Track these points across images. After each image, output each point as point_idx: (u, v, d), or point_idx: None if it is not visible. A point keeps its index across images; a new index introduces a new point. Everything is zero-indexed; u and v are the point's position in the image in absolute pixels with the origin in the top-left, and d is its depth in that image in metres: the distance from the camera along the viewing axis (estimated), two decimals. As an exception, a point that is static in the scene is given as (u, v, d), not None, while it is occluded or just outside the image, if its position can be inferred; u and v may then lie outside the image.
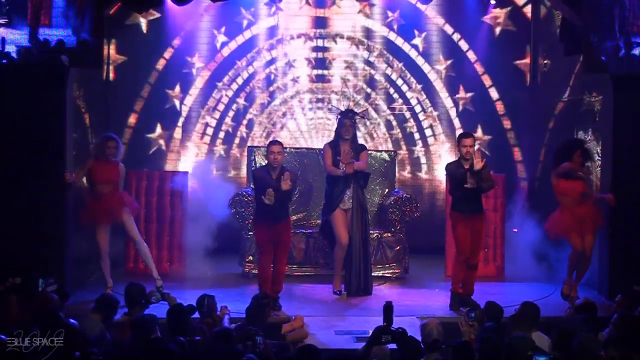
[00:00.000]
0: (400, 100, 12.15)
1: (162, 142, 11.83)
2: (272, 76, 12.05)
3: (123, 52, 11.67)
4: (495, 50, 12.01)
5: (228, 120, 12.02)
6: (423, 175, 12.22)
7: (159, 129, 11.81)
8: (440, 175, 11.79)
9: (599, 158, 9.89)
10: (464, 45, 12.07)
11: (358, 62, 12.13)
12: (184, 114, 11.87)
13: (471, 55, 12.07)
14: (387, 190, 10.93)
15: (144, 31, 11.72)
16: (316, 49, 12.09)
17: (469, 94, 12.11)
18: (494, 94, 12.12)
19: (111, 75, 11.62)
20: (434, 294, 9.60)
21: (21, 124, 8.81)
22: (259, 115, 12.03)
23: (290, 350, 6.71)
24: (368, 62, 12.12)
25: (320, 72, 12.09)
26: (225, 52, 11.93)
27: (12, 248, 8.67)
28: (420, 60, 12.10)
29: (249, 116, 12.02)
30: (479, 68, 12.08)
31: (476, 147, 9.14)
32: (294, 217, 10.47)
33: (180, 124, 11.87)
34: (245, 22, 11.93)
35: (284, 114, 12.06)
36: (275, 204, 8.70)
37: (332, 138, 9.66)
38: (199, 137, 11.95)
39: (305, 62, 12.06)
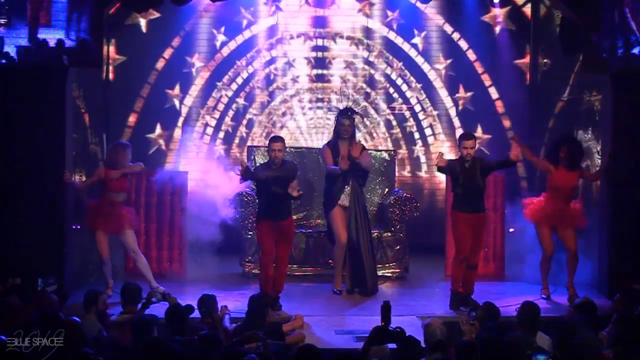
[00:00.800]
0: (400, 100, 12.15)
1: (161, 142, 11.83)
2: (272, 76, 12.05)
3: (123, 52, 11.67)
4: (495, 49, 12.01)
5: (228, 120, 12.02)
6: (423, 174, 12.23)
7: (158, 129, 11.81)
8: (440, 174, 11.78)
9: (599, 157, 9.89)
10: (463, 44, 12.07)
11: (358, 62, 12.12)
12: (183, 113, 11.87)
13: (471, 55, 12.07)
14: (387, 189, 10.93)
15: (144, 31, 11.71)
16: (316, 48, 12.09)
17: (469, 93, 12.11)
18: (493, 93, 12.12)
19: (111, 75, 11.62)
20: (434, 294, 9.60)
21: (21, 124, 8.81)
22: (259, 115, 12.03)
23: (290, 351, 6.71)
24: (368, 62, 12.12)
25: (320, 71, 12.09)
26: (225, 51, 11.93)
27: (12, 248, 8.68)
28: (420, 60, 12.10)
29: (248, 116, 12.02)
30: (478, 67, 12.08)
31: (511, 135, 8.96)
32: (294, 217, 10.46)
33: (180, 123, 11.86)
34: (244, 22, 11.93)
35: (284, 114, 12.06)
36: (278, 200, 8.68)
37: (331, 138, 9.66)
38: (199, 137, 11.95)
39: (304, 62, 12.06)
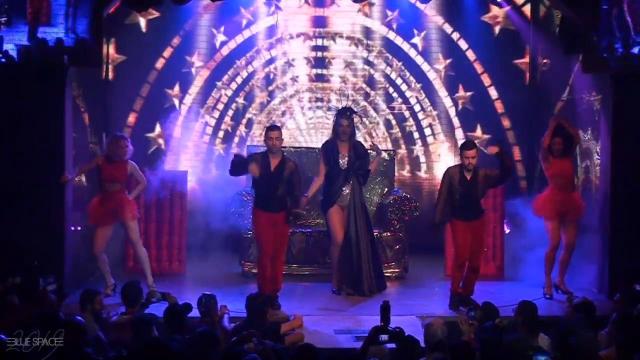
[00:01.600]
0: (400, 100, 12.15)
1: (161, 141, 11.83)
2: (272, 75, 12.05)
3: (122, 52, 11.67)
4: (494, 49, 12.02)
5: (227, 119, 12.02)
6: (422, 174, 12.23)
7: (158, 128, 11.81)
8: (440, 174, 11.76)
9: (598, 157, 9.89)
10: (463, 44, 12.07)
11: (357, 62, 12.12)
12: (183, 113, 11.87)
13: (470, 55, 12.07)
14: (386, 189, 10.93)
15: (143, 30, 11.72)
16: (315, 48, 12.09)
17: (469, 93, 12.11)
18: (493, 93, 12.12)
19: (110, 74, 11.62)
20: (434, 293, 9.60)
21: (20, 123, 8.81)
22: (259, 115, 12.03)
23: (289, 351, 6.71)
24: (367, 62, 12.12)
25: (319, 71, 12.09)
26: (225, 51, 11.93)
27: (12, 247, 8.67)
28: (419, 60, 12.10)
29: (248, 115, 12.02)
30: (478, 67, 12.08)
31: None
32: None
33: (179, 123, 11.86)
34: (244, 22, 11.93)
35: (283, 113, 12.06)
36: (274, 193, 8.67)
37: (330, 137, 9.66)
38: (198, 136, 11.95)
39: (304, 62, 12.06)
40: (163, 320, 6.63)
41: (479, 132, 12.07)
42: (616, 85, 9.29)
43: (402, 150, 12.14)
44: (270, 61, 12.03)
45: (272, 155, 8.83)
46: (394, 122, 12.17)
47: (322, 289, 9.60)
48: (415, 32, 12.05)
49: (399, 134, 12.19)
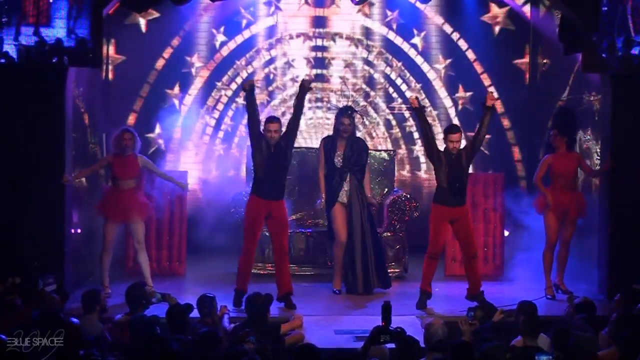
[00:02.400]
0: (400, 100, 12.15)
1: (161, 141, 11.83)
2: (272, 76, 12.05)
3: (122, 52, 11.66)
4: (494, 49, 12.02)
5: (227, 119, 12.02)
6: (422, 174, 12.23)
7: (158, 129, 11.81)
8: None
9: (598, 157, 9.90)
10: (463, 44, 12.07)
11: (357, 62, 12.13)
12: (183, 113, 11.87)
13: (470, 55, 12.08)
14: (386, 189, 10.93)
15: (143, 31, 11.71)
16: (315, 48, 12.09)
17: (468, 93, 12.11)
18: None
19: (110, 74, 11.61)
20: (433, 294, 9.58)
21: (20, 124, 8.81)
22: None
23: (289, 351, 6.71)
24: (367, 62, 12.12)
25: (319, 71, 12.09)
26: (225, 51, 11.93)
27: (11, 247, 8.67)
28: (419, 60, 12.10)
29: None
30: (478, 67, 12.08)
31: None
32: (293, 217, 10.47)
33: (179, 123, 11.86)
34: (244, 22, 11.93)
35: (283, 114, 12.04)
36: (271, 179, 8.65)
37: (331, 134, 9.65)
38: (198, 136, 11.95)
39: (304, 62, 12.06)
40: (165, 321, 6.63)
41: (479, 132, 12.05)
42: (616, 85, 9.30)
43: (402, 150, 12.14)
44: (270, 61, 12.03)
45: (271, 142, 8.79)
46: (394, 122, 12.18)
47: (322, 289, 9.60)
48: (415, 32, 12.05)
49: (399, 134, 12.19)
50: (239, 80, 11.96)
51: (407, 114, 12.17)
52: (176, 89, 11.83)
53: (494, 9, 11.98)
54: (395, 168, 11.31)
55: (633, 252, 9.18)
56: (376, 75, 12.12)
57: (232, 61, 11.94)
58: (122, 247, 10.03)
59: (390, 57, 12.09)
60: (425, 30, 12.07)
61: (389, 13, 12.04)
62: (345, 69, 12.10)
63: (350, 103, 9.78)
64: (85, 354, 5.61)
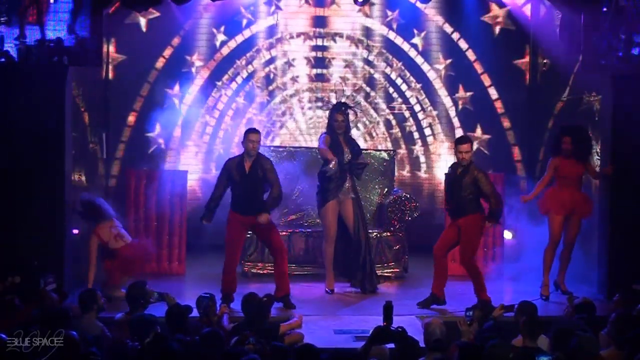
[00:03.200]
0: (400, 100, 12.16)
1: (161, 141, 11.83)
2: (272, 75, 12.06)
3: (122, 51, 11.67)
4: (494, 49, 12.02)
5: (227, 119, 12.02)
6: (422, 174, 12.23)
7: (158, 128, 11.81)
8: (440, 174, 11.80)
9: (598, 157, 9.90)
10: (463, 44, 12.07)
11: (357, 61, 12.13)
12: (183, 112, 11.87)
13: (470, 55, 12.08)
14: (386, 189, 10.93)
15: (143, 30, 11.71)
16: (315, 48, 12.09)
17: (469, 93, 12.11)
18: (493, 93, 12.12)
19: (110, 74, 11.61)
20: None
21: (20, 123, 8.80)
22: (259, 115, 12.03)
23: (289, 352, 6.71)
24: (367, 61, 12.12)
25: (319, 71, 12.09)
26: (225, 51, 11.93)
27: (11, 247, 8.67)
28: (419, 60, 12.11)
29: (248, 115, 12.02)
30: (478, 67, 12.08)
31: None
32: (293, 217, 10.49)
33: (179, 122, 11.86)
34: (244, 21, 11.93)
35: (283, 113, 12.07)
36: (247, 199, 8.69)
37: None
38: (198, 136, 11.95)
39: (304, 61, 12.07)
40: (164, 321, 6.63)
41: (479, 132, 12.07)
42: (616, 85, 9.30)
43: (402, 150, 12.14)
44: (270, 61, 12.04)
45: (247, 158, 8.79)
46: (394, 122, 12.18)
47: (322, 289, 9.59)
48: (415, 32, 12.06)
49: (399, 134, 12.19)
50: (239, 79, 11.97)
51: (407, 113, 12.17)
52: (176, 89, 11.83)
53: (494, 9, 11.98)
54: (395, 168, 11.31)
55: (633, 252, 9.18)
56: (376, 75, 12.12)
57: (232, 61, 11.95)
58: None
59: (390, 57, 12.09)
60: (426, 30, 12.08)
61: (389, 13, 12.05)
62: (345, 68, 12.10)
63: (343, 98, 9.75)
64: (85, 353, 5.61)
